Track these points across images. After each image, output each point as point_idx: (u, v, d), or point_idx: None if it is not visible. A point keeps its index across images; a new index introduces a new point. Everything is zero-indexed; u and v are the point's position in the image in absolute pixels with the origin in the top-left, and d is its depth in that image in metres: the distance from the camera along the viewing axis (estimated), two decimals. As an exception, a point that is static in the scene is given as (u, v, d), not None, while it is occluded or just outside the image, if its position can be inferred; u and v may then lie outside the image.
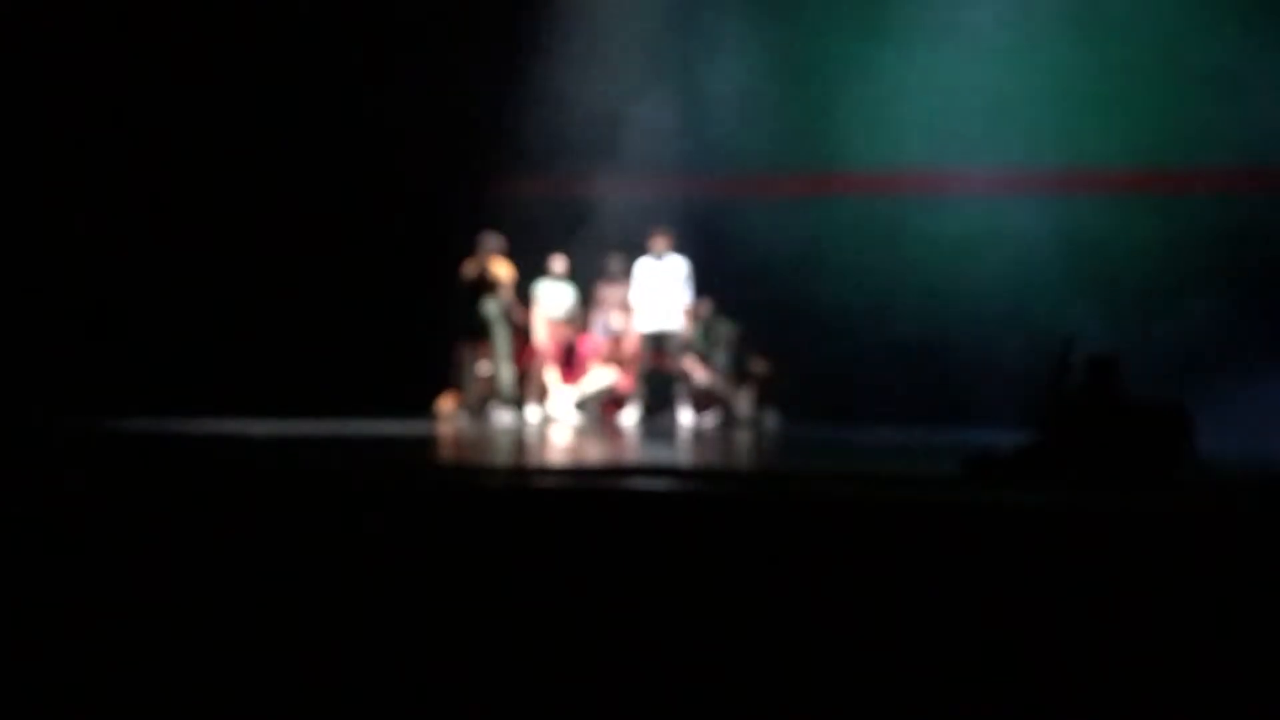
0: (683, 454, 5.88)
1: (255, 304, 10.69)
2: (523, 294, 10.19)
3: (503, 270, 9.90)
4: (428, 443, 6.61)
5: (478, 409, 9.99)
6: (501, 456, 5.42)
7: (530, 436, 7.25)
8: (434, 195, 10.83)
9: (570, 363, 10.43)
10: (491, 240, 9.86)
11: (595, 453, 5.66)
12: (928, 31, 10.40)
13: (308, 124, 10.57)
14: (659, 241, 9.96)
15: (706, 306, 10.34)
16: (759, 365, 10.35)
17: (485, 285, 9.82)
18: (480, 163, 11.06)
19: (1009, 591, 2.97)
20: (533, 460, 5.06)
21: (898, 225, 10.64)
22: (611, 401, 10.43)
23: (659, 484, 3.73)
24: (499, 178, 11.24)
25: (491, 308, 9.83)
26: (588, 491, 3.65)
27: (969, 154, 10.50)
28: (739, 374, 10.31)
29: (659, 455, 5.55)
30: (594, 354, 10.39)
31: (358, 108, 10.59)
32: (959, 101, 10.40)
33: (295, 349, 10.24)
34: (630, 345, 10.21)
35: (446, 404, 10.13)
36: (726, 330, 10.29)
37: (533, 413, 9.96)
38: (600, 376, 10.27)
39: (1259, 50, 9.68)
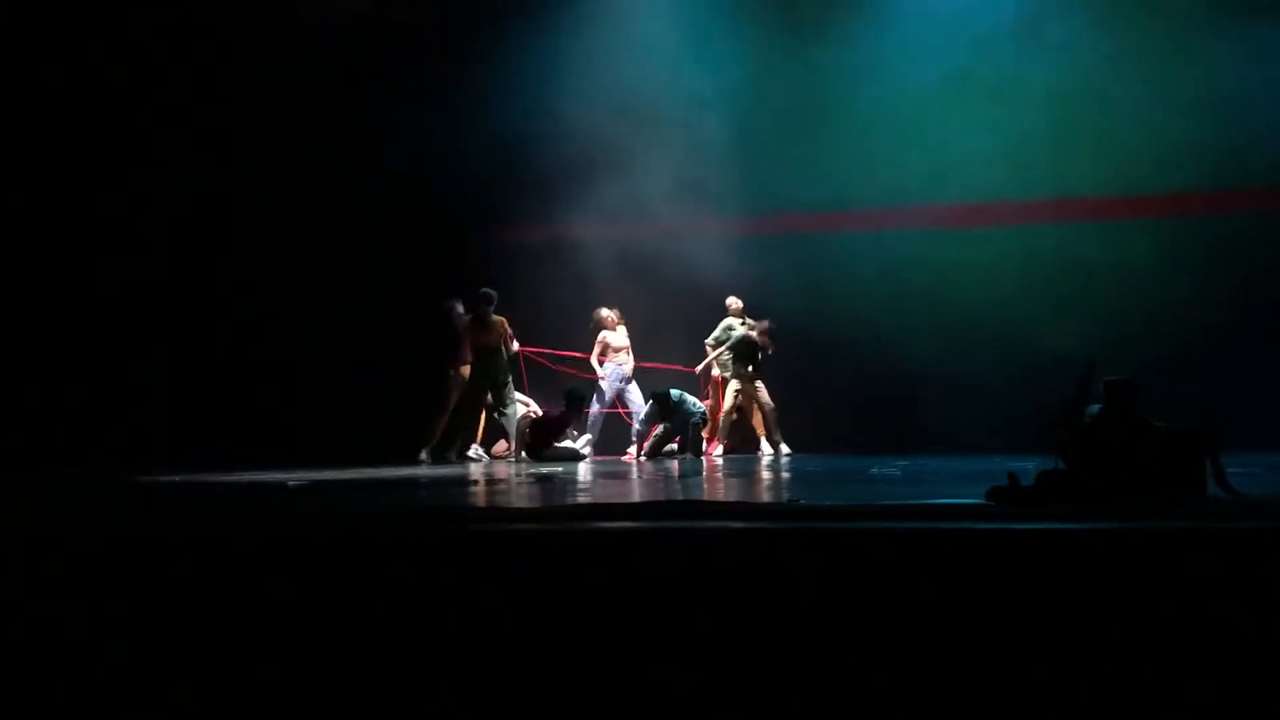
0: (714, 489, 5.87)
1: (246, 355, 10.67)
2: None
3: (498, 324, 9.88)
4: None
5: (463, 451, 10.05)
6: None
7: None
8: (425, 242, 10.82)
9: None
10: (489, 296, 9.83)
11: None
12: (922, 72, 10.50)
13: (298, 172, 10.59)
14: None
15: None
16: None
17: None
18: (469, 211, 11.07)
19: (1037, 615, 2.96)
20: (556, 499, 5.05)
21: (898, 258, 10.70)
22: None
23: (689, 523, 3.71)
24: (489, 226, 11.26)
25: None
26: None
27: (966, 189, 10.59)
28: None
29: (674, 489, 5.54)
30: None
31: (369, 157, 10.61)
32: (954, 139, 10.48)
33: (287, 398, 10.22)
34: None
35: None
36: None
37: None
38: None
39: (1237, 76, 9.81)
